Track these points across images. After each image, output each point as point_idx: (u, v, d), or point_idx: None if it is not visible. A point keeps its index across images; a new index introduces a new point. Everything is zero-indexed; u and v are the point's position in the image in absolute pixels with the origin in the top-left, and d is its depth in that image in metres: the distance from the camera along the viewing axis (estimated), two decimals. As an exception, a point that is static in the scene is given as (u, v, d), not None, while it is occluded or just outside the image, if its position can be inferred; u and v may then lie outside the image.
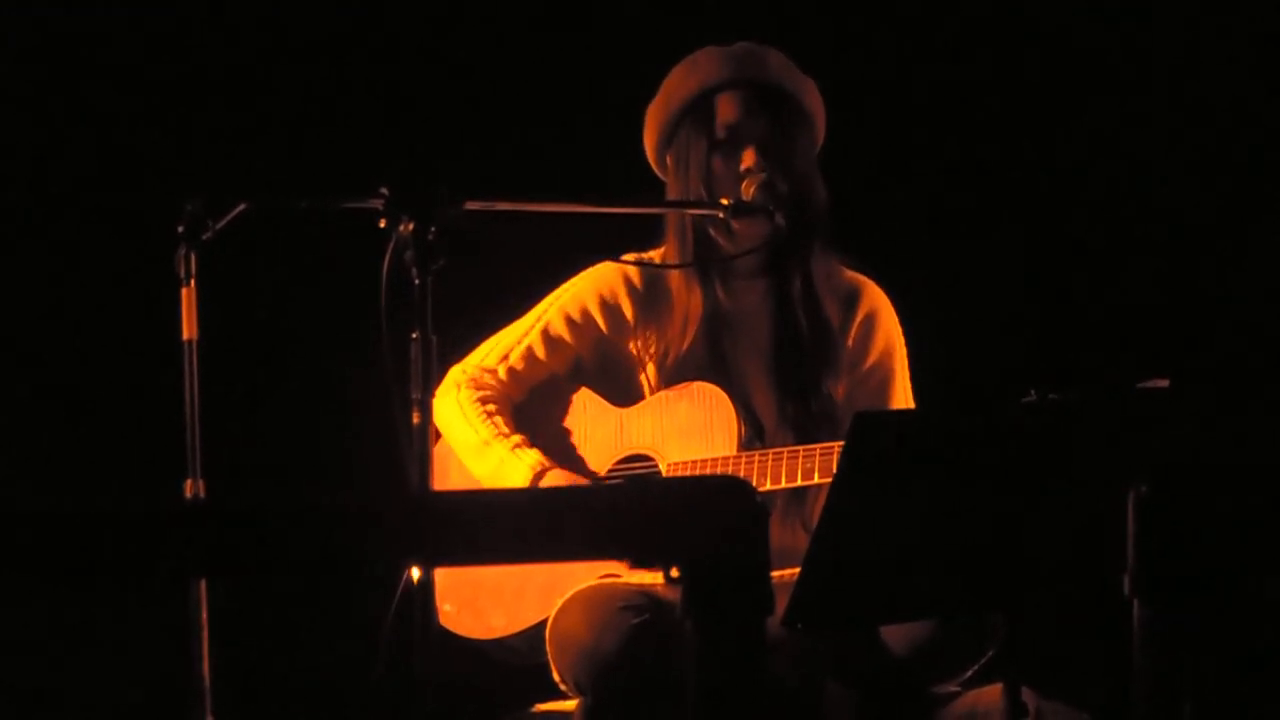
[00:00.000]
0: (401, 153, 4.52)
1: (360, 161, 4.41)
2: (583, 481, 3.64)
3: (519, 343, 3.78)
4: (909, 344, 3.80)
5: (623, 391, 3.74)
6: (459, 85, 4.66)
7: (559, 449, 3.73)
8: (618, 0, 4.68)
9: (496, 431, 3.67)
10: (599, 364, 3.77)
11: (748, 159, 3.63)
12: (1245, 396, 2.78)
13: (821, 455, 3.44)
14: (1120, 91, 4.65)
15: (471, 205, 3.07)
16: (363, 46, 4.63)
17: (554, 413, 3.78)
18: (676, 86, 3.73)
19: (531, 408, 3.78)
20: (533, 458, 3.62)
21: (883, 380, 3.75)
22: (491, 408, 3.71)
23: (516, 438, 3.67)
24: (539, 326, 3.77)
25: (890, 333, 3.77)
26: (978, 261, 4.66)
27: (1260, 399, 2.77)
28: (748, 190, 3.60)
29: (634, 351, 3.76)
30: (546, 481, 3.60)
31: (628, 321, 3.77)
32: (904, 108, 4.68)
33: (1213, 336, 4.54)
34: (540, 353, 3.77)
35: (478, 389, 3.73)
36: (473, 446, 3.67)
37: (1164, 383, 2.80)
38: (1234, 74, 4.60)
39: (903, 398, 3.75)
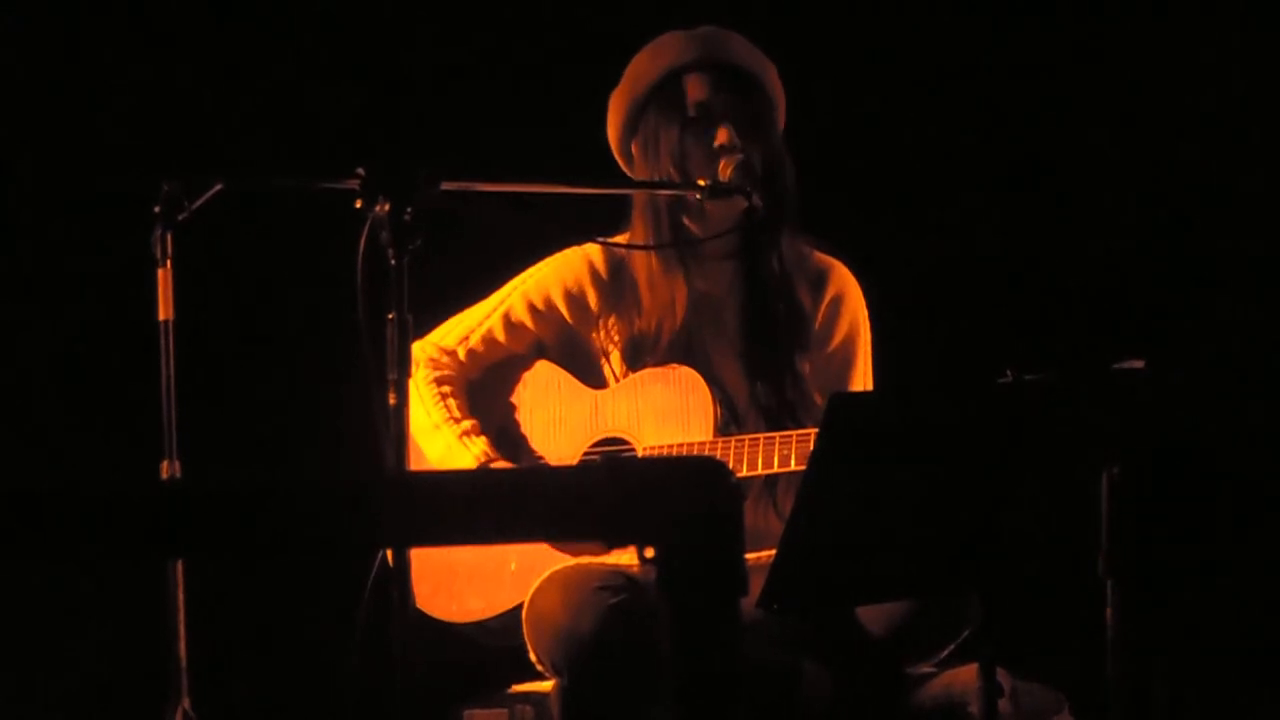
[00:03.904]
0: (378, 134, 4.51)
1: (336, 142, 4.41)
2: None
3: (480, 325, 3.77)
4: (885, 325, 3.80)
5: (584, 378, 3.74)
6: (435, 66, 4.65)
7: (514, 426, 3.74)
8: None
9: (448, 415, 3.68)
10: (561, 349, 3.77)
11: (722, 136, 3.63)
12: (1220, 378, 2.79)
13: (799, 442, 3.45)
14: (1097, 69, 4.65)
15: (447, 186, 3.07)
16: (339, 27, 4.62)
17: (513, 389, 3.78)
18: (641, 70, 3.73)
19: (490, 385, 3.78)
20: (478, 448, 3.63)
21: (844, 363, 3.75)
22: (446, 389, 3.71)
23: (466, 424, 3.67)
24: (501, 310, 3.77)
25: (856, 316, 3.77)
26: (954, 242, 4.66)
27: (1235, 380, 2.78)
28: (725, 171, 3.59)
29: (596, 341, 3.76)
30: None
31: (592, 311, 3.77)
32: (876, 88, 4.68)
33: (1189, 317, 4.55)
34: (500, 337, 3.77)
35: (435, 369, 3.73)
36: (424, 428, 3.68)
37: (1139, 364, 2.81)
38: (1209, 57, 4.61)
39: (861, 381, 3.75)
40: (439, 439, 3.67)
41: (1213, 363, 2.83)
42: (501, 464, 3.63)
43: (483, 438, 3.65)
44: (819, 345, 3.74)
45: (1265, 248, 4.55)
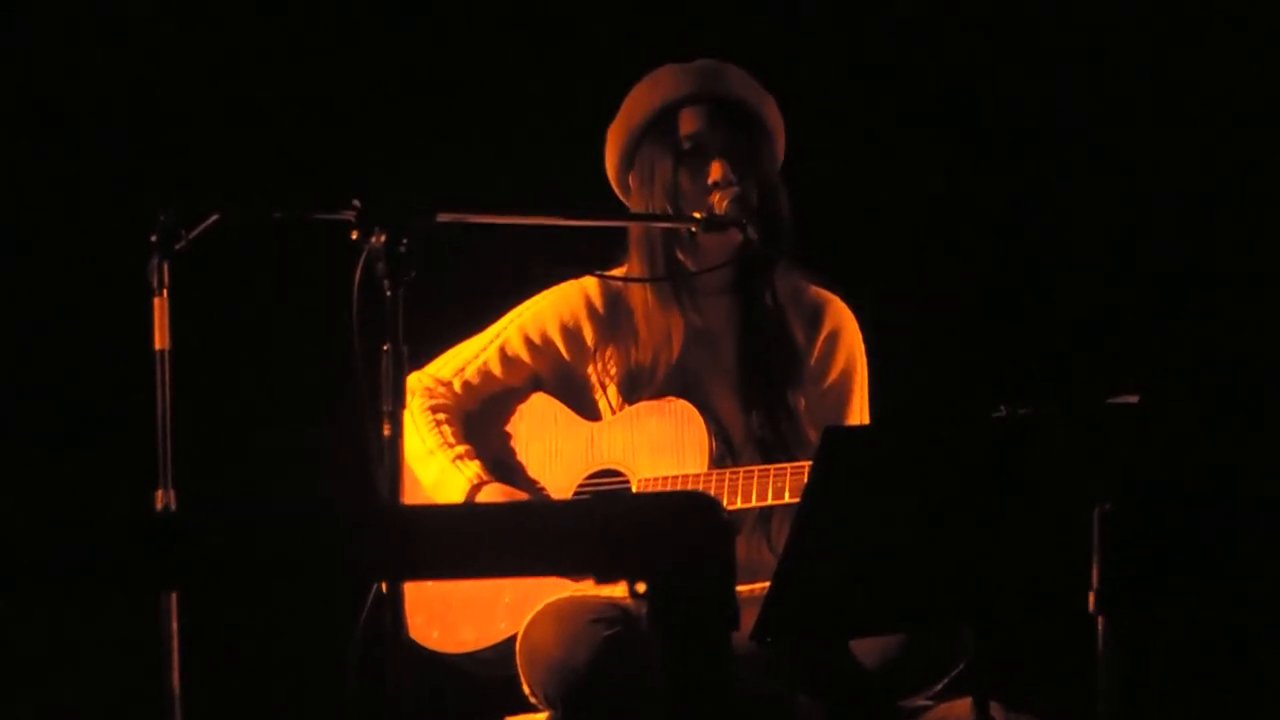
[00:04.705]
0: (374, 165, 4.52)
1: (333, 173, 4.42)
2: (520, 496, 3.65)
3: (475, 358, 3.78)
4: (879, 359, 3.80)
5: (580, 411, 3.74)
6: (432, 98, 4.66)
7: (510, 456, 3.74)
8: (593, 14, 4.68)
9: (442, 441, 3.68)
10: (557, 383, 3.78)
11: (716, 172, 3.63)
12: (1215, 413, 2.79)
13: (792, 474, 3.45)
14: (1091, 101, 4.67)
15: (443, 217, 3.07)
16: (336, 58, 4.63)
17: (509, 419, 3.79)
18: (637, 104, 3.73)
19: (486, 415, 3.78)
20: (471, 470, 3.63)
21: (841, 398, 3.75)
22: (441, 416, 3.72)
23: (460, 448, 3.67)
24: (497, 344, 3.78)
25: (852, 351, 3.77)
26: (949, 275, 4.67)
27: (1230, 416, 2.78)
28: (721, 204, 3.60)
29: (592, 376, 3.76)
30: (483, 496, 3.61)
31: (587, 346, 3.77)
32: (872, 122, 4.69)
33: (1185, 352, 4.55)
34: (496, 370, 3.77)
35: (430, 398, 3.74)
36: (419, 455, 3.69)
37: (1134, 399, 2.81)
38: (1201, 78, 4.62)
39: (858, 416, 3.75)
40: (433, 464, 3.68)
41: (1207, 398, 2.83)
42: (494, 486, 3.63)
43: (476, 462, 3.66)
44: (815, 380, 3.75)
45: (1262, 282, 4.56)
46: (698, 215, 3.57)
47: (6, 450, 4.46)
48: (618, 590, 3.53)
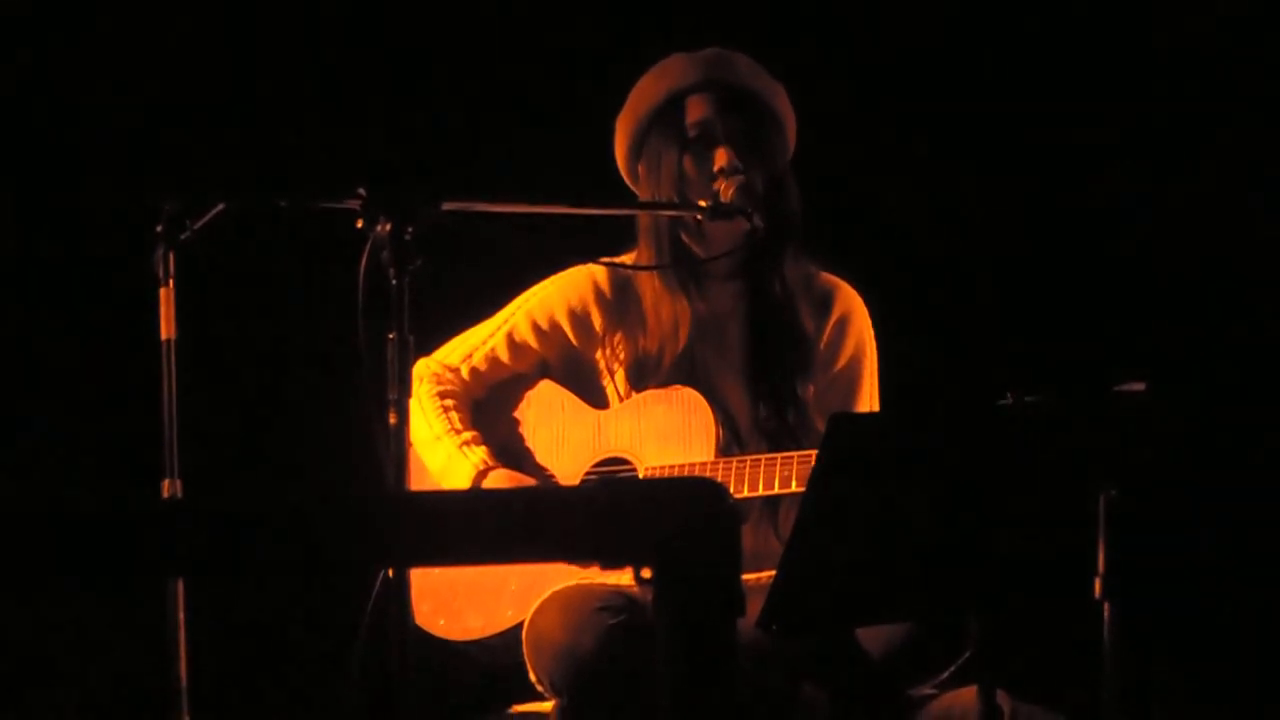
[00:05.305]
0: (379, 153, 4.52)
1: (338, 161, 4.42)
2: (528, 481, 3.65)
3: (483, 344, 3.78)
4: (886, 345, 3.80)
5: (588, 397, 3.75)
6: (438, 85, 4.66)
7: (517, 442, 3.74)
8: (597, 4, 4.68)
9: (449, 427, 3.68)
10: (565, 369, 3.78)
11: (721, 158, 3.63)
12: (1220, 400, 2.79)
13: (800, 463, 3.44)
14: (1094, 89, 4.66)
15: (449, 206, 3.08)
16: (341, 47, 4.64)
17: (516, 406, 3.79)
18: (645, 93, 3.73)
19: (495, 402, 3.79)
20: (477, 456, 3.63)
21: (850, 383, 3.75)
22: (449, 403, 3.72)
23: (467, 435, 3.67)
24: (504, 330, 3.78)
25: (861, 337, 3.77)
26: (956, 262, 4.67)
27: (1235, 403, 2.78)
28: (726, 192, 3.59)
29: (600, 361, 3.76)
30: (489, 481, 3.61)
31: (595, 332, 3.77)
32: (880, 109, 4.69)
33: (1191, 339, 4.55)
34: (504, 356, 3.78)
35: (438, 384, 3.74)
36: (426, 441, 3.69)
37: (1140, 386, 2.81)
38: (1207, 74, 4.62)
39: (868, 402, 3.76)
40: (440, 450, 3.68)
41: (1213, 384, 2.83)
42: (501, 472, 3.63)
43: (483, 447, 3.66)
44: (824, 367, 3.75)
45: (1268, 270, 4.56)
46: (704, 204, 3.56)
47: (13, 440, 4.47)
48: (624, 578, 3.53)
